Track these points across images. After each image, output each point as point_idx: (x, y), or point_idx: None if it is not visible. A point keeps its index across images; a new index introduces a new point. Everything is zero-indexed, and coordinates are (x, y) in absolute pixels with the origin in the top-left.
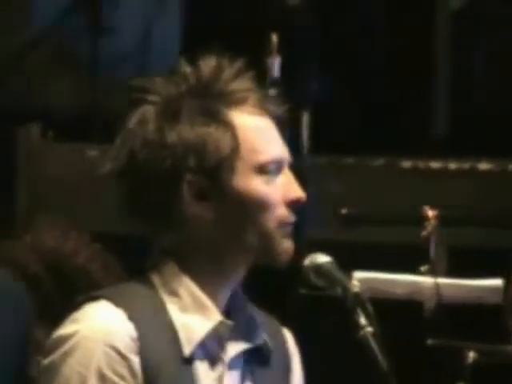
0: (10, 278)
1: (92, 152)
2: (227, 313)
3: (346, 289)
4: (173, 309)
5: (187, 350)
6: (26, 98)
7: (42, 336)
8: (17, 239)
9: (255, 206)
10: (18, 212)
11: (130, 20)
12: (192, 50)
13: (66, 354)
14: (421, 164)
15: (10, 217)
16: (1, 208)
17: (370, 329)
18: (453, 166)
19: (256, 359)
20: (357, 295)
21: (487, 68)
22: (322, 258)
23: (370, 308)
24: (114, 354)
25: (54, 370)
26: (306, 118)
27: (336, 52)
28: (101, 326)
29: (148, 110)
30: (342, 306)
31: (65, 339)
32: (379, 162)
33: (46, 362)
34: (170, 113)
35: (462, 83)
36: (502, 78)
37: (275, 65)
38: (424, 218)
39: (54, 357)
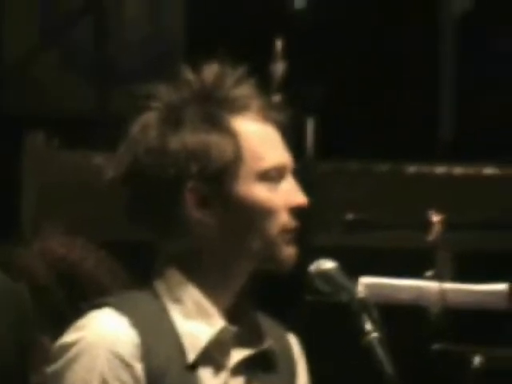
0: (10, 281)
1: (97, 159)
2: (231, 318)
3: (351, 294)
4: (176, 316)
5: (191, 357)
6: (32, 103)
7: (51, 345)
8: (24, 247)
9: (258, 213)
10: (23, 219)
11: (135, 22)
12: (195, 54)
13: (71, 361)
14: (426, 169)
15: (15, 224)
16: (6, 215)
17: (375, 334)
18: (458, 170)
19: (261, 364)
20: (362, 301)
21: (493, 71)
22: (328, 264)
23: (375, 313)
24: (117, 361)
25: (58, 376)
26: (310, 124)
27: (339, 56)
28: (104, 333)
29: (150, 117)
30: (348, 312)
31: (69, 346)
32: (385, 167)
33: (50, 369)
34: (173, 119)
35: (467, 87)
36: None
37: (279, 70)
38: (429, 223)
39: (59, 364)
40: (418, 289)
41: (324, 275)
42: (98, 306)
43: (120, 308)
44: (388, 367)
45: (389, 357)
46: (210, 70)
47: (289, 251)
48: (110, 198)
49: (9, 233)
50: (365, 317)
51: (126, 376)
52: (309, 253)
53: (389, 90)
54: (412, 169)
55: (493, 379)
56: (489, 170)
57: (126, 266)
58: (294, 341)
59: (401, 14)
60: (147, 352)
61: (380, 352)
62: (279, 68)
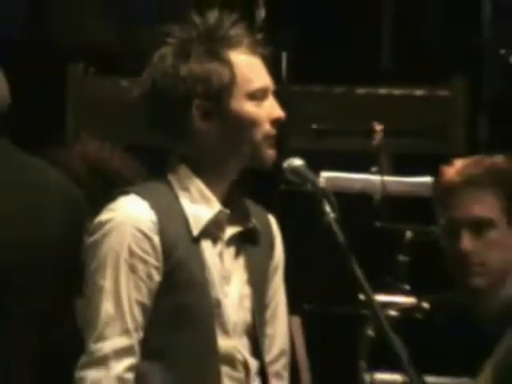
0: (67, 181)
1: (124, 82)
2: (225, 203)
3: (315, 185)
4: (185, 201)
5: (195, 231)
6: (71, 37)
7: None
8: (67, 149)
9: (247, 123)
10: (68, 131)
11: None
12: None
13: (104, 235)
14: (372, 90)
15: (62, 134)
16: (55, 129)
17: (333, 215)
18: (397, 91)
19: (247, 239)
20: (323, 190)
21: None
22: (297, 162)
23: (333, 199)
24: (140, 235)
25: (95, 247)
26: (284, 57)
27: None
28: (130, 214)
29: (167, 50)
30: (312, 199)
31: (103, 224)
32: (341, 89)
33: (89, 241)
34: (183, 52)
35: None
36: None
37: (261, 15)
38: (374, 132)
39: (95, 237)
40: (365, 181)
41: (294, 170)
42: (125, 193)
43: (142, 194)
44: (341, 239)
45: (342, 231)
46: (212, 15)
47: (270, 152)
48: (134, 112)
49: (57, 140)
50: (325, 202)
51: (147, 246)
52: (283, 154)
53: (343, 28)
54: (361, 90)
55: (420, 250)
56: (420, 92)
57: (145, 164)
58: (272, 221)
59: None
60: (162, 228)
61: (336, 228)
62: (261, 14)
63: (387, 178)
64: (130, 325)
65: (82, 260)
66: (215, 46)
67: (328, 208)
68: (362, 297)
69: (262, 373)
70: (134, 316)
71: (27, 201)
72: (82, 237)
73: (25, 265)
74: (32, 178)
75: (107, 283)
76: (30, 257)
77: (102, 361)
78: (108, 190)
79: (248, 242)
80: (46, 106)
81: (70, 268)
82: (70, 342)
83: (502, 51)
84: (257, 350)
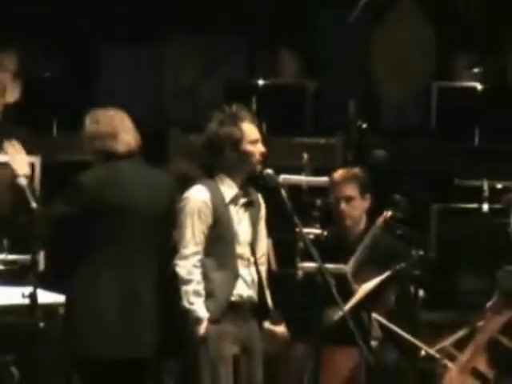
0: (171, 178)
1: (193, 137)
2: (241, 188)
3: (276, 181)
4: (222, 188)
5: (226, 201)
6: None
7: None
8: (169, 165)
9: (250, 155)
10: (168, 158)
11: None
12: None
13: (185, 205)
14: None
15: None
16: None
17: (285, 195)
18: None
19: (250, 204)
20: (280, 183)
21: None
22: (270, 171)
23: (285, 188)
24: (203, 205)
25: (183, 208)
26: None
27: None
28: (198, 194)
29: (213, 122)
30: (277, 186)
31: (184, 199)
32: None
33: (179, 206)
34: (221, 122)
35: None
36: None
37: None
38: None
39: (183, 204)
40: (299, 179)
41: (269, 174)
42: (195, 185)
43: (204, 185)
44: (289, 206)
45: (290, 203)
46: (232, 106)
47: (259, 167)
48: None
49: (161, 163)
50: (281, 189)
51: (205, 208)
52: (264, 168)
53: None
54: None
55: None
56: None
57: (207, 173)
58: (260, 196)
59: None
60: (212, 200)
61: (287, 202)
62: None
63: (309, 178)
64: (198, 241)
65: (175, 214)
66: (234, 120)
67: (283, 192)
68: (297, 230)
69: (255, 263)
70: (200, 238)
71: (152, 189)
72: (175, 204)
73: (151, 216)
74: (154, 177)
75: (188, 222)
76: (151, 214)
77: (186, 257)
78: (188, 184)
79: (250, 206)
80: None
81: (169, 219)
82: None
83: None
84: (253, 254)
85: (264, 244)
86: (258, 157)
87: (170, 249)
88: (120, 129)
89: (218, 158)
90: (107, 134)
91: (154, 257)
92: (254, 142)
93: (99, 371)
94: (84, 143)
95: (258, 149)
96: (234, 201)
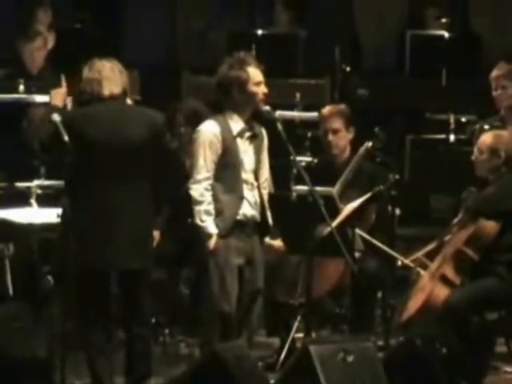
0: (152, 111)
1: (202, 79)
2: (246, 123)
3: (273, 116)
4: (230, 123)
5: (234, 134)
6: None
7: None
8: (174, 106)
9: (255, 94)
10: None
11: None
12: None
13: (198, 136)
14: None
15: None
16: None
17: (280, 128)
18: None
19: (254, 137)
20: (276, 117)
21: None
22: (267, 107)
23: (280, 122)
24: (213, 137)
25: (196, 139)
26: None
27: None
28: (209, 128)
29: (224, 65)
30: (274, 120)
31: (198, 131)
32: None
33: (194, 136)
34: (231, 66)
35: None
36: None
37: None
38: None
39: (197, 135)
40: (293, 114)
41: (267, 110)
42: (209, 119)
43: (214, 119)
44: (284, 136)
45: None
46: (241, 53)
47: (261, 104)
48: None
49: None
50: (278, 123)
51: (215, 140)
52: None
53: None
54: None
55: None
56: None
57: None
58: (263, 129)
59: None
60: (221, 133)
61: (282, 133)
62: None
63: (301, 113)
64: (209, 168)
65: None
66: (242, 64)
67: (279, 126)
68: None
69: (258, 188)
70: (211, 165)
71: (128, 126)
72: (162, 138)
73: (125, 148)
74: (131, 116)
75: (200, 152)
76: (125, 146)
77: (198, 181)
78: (199, 119)
79: (254, 138)
80: None
81: (157, 149)
82: (184, 177)
83: None
84: (256, 179)
85: (266, 171)
86: (261, 96)
87: (180, 174)
88: (106, 76)
89: (227, 97)
90: (94, 79)
91: (140, 183)
92: (258, 84)
93: (88, 282)
94: (81, 86)
95: (262, 89)
96: (241, 134)
